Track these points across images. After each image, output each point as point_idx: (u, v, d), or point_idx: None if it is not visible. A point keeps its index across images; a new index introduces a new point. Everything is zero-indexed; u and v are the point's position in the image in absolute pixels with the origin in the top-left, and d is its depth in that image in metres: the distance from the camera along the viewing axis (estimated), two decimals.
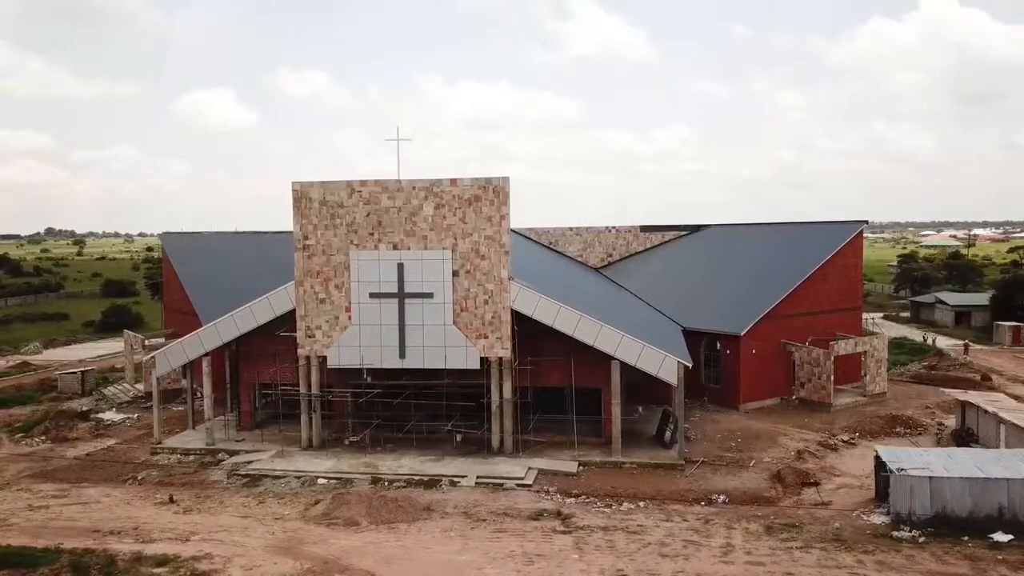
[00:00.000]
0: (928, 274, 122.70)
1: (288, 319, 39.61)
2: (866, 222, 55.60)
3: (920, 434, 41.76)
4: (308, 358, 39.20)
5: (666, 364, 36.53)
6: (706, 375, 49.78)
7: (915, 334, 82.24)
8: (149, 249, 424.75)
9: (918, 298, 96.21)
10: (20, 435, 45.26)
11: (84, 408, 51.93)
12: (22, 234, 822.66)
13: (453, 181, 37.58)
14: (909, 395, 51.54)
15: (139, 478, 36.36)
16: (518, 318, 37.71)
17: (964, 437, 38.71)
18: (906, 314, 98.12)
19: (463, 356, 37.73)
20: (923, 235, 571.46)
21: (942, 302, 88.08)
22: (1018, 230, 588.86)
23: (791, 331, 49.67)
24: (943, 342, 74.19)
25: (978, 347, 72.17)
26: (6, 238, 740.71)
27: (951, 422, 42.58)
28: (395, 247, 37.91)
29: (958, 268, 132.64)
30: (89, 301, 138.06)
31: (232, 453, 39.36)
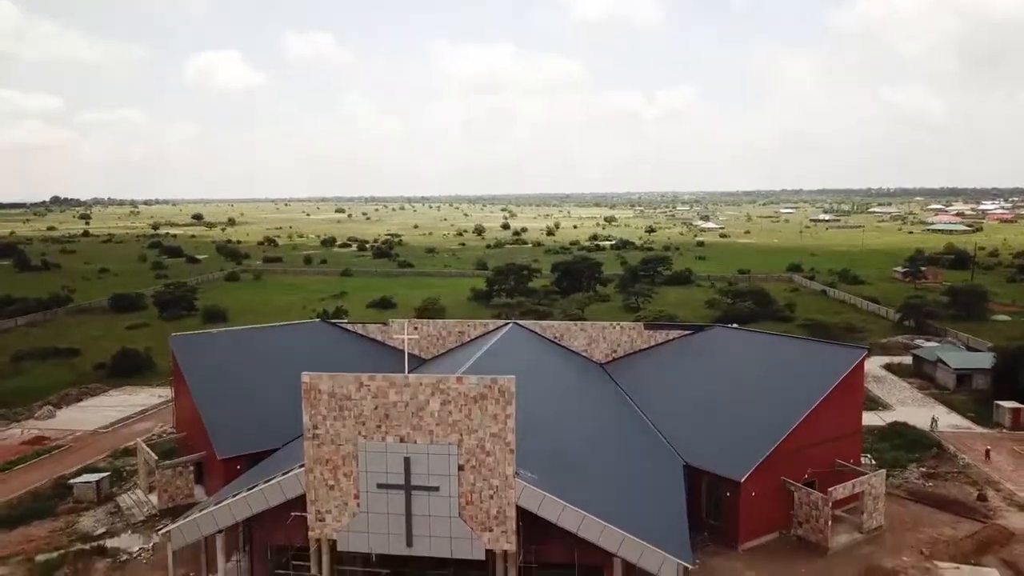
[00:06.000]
0: (933, 311, 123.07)
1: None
2: (867, 350, 56.04)
3: None
4: (319, 540, 40.32)
5: (666, 566, 37.53)
6: (707, 510, 50.83)
7: (915, 400, 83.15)
8: (154, 228, 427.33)
9: (920, 352, 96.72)
10: None
11: (99, 531, 53.45)
12: (28, 202, 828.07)
13: (459, 379, 38.29)
14: (905, 524, 52.56)
15: None
16: None
17: None
18: (908, 360, 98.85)
19: (468, 547, 38.81)
20: (930, 209, 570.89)
21: (944, 363, 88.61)
22: None
23: (791, 466, 50.62)
24: (946, 419, 74.97)
25: (979, 430, 73.07)
26: (12, 207, 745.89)
27: None
28: (402, 440, 38.73)
29: (964, 295, 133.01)
30: (99, 321, 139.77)
31: None
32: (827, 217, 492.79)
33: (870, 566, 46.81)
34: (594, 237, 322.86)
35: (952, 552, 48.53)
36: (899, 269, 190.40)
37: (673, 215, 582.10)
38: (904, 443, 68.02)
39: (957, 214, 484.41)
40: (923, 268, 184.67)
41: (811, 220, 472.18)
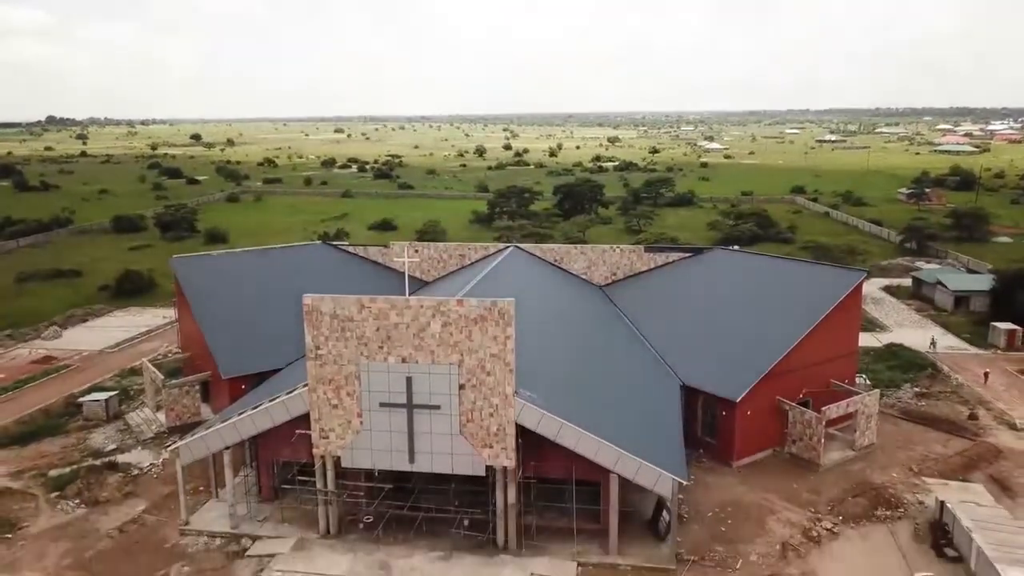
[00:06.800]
0: (934, 233, 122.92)
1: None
2: (867, 273, 56.13)
3: (900, 518, 44.15)
4: (323, 457, 41.42)
5: (662, 480, 38.61)
6: (703, 429, 51.97)
7: (913, 322, 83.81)
8: (152, 148, 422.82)
9: (919, 274, 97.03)
10: (55, 494, 48.20)
11: (110, 447, 54.90)
12: (23, 122, 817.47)
13: (459, 302, 38.58)
14: (896, 442, 53.79)
15: None
16: None
17: (939, 536, 41.12)
18: (908, 282, 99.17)
19: (469, 463, 39.90)
20: (937, 129, 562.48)
21: (942, 285, 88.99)
22: None
23: (787, 386, 51.52)
24: (943, 341, 75.51)
25: (973, 351, 73.93)
26: (7, 126, 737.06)
27: (931, 500, 44.85)
28: (404, 360, 39.32)
29: (966, 217, 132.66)
30: (101, 243, 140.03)
31: (255, 539, 42.32)
32: (833, 138, 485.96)
33: (860, 481, 48.19)
34: (597, 158, 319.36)
35: (941, 468, 49.86)
36: (903, 191, 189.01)
37: (677, 136, 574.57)
38: (899, 364, 68.95)
39: (965, 135, 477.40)
40: (927, 190, 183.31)
41: (817, 141, 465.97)
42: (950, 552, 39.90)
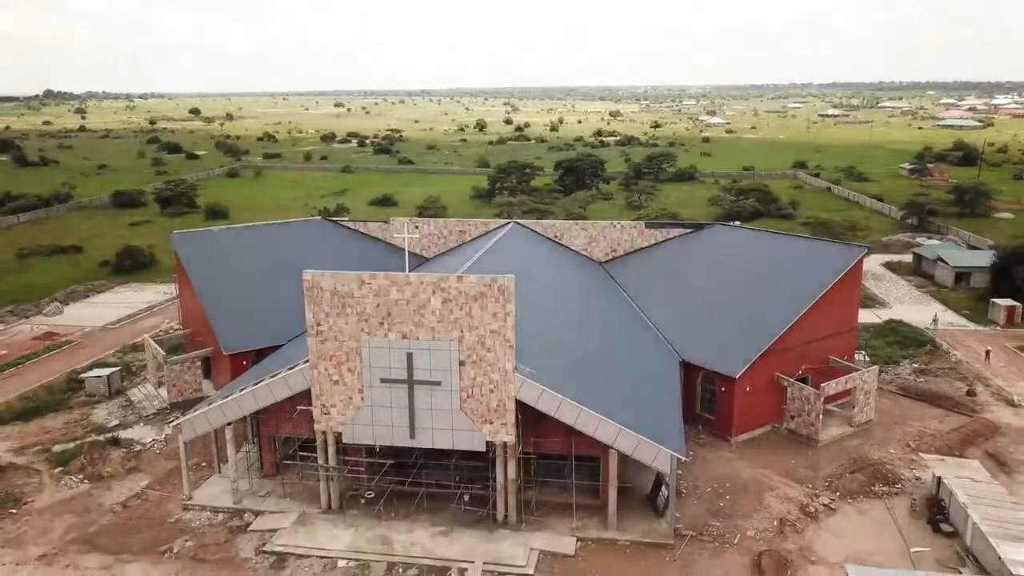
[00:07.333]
0: (936, 208, 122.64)
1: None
2: (867, 249, 56.02)
3: (897, 494, 44.49)
4: (324, 433, 41.69)
5: (660, 456, 38.87)
6: (702, 405, 52.22)
7: (913, 298, 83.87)
8: (151, 123, 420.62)
9: (920, 250, 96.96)
10: (59, 469, 48.56)
11: (113, 423, 55.21)
12: (21, 95, 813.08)
13: (459, 278, 38.59)
14: (894, 418, 54.06)
15: (175, 551, 39.82)
16: None
17: (936, 511, 41.45)
18: (908, 258, 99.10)
19: (469, 439, 40.17)
20: (941, 104, 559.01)
21: (943, 261, 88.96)
22: None
23: (786, 363, 51.69)
24: (942, 317, 75.45)
25: (972, 327, 74.06)
26: (5, 100, 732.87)
27: (928, 475, 45.16)
28: (404, 336, 39.43)
29: (968, 193, 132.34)
30: (101, 218, 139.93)
31: (257, 514, 42.70)
32: (836, 112, 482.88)
33: (858, 457, 48.51)
34: (598, 132, 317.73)
35: (938, 444, 50.15)
36: (906, 166, 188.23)
37: (679, 110, 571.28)
38: (899, 340, 69.05)
39: (969, 109, 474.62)
40: (929, 165, 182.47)
41: (819, 115, 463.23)
42: (946, 527, 40.24)
